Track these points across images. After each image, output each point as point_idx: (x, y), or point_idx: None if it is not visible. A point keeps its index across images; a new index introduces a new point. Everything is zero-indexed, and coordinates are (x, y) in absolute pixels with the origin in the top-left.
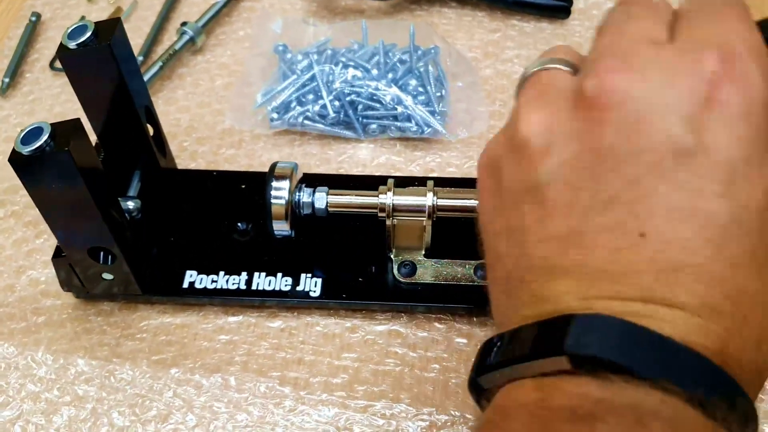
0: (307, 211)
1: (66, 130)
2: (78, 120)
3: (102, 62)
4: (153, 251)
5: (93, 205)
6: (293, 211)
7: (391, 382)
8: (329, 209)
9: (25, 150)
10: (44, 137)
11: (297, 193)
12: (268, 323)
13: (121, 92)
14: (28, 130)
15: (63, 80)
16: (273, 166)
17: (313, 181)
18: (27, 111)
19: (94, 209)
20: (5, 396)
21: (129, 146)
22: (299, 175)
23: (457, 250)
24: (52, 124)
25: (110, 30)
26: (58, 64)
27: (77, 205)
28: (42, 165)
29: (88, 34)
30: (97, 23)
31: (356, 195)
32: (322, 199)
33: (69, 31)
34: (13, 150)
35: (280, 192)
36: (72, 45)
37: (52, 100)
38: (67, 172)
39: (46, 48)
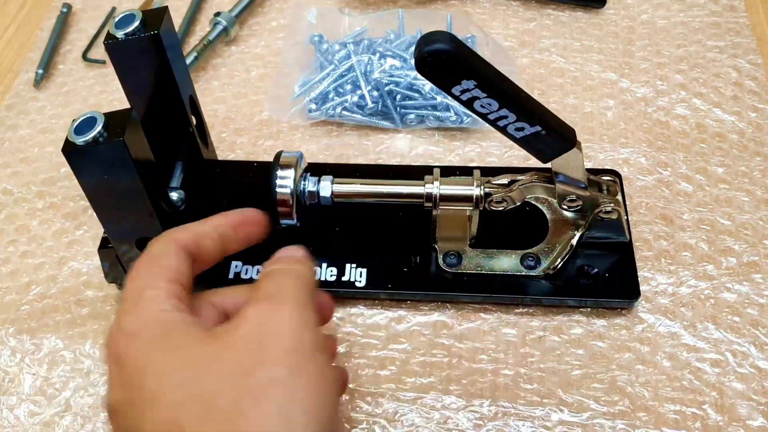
0: (312, 200)
1: (119, 120)
2: (130, 110)
3: (149, 52)
4: None
5: (145, 196)
6: (298, 199)
7: (439, 373)
8: (334, 198)
9: (79, 140)
10: (98, 127)
11: (302, 182)
12: None
13: (167, 82)
14: (81, 120)
15: (96, 71)
16: (278, 156)
17: (353, 171)
18: (62, 102)
19: (146, 200)
20: (53, 389)
21: (172, 136)
22: (304, 165)
23: (503, 239)
24: (105, 114)
25: (158, 19)
26: (91, 55)
27: (129, 195)
28: (96, 155)
29: (136, 23)
30: (144, 12)
31: (361, 184)
32: (327, 188)
33: (116, 20)
34: (67, 140)
35: (285, 181)
36: (120, 34)
37: (86, 91)
38: (122, 162)
39: (78, 39)
